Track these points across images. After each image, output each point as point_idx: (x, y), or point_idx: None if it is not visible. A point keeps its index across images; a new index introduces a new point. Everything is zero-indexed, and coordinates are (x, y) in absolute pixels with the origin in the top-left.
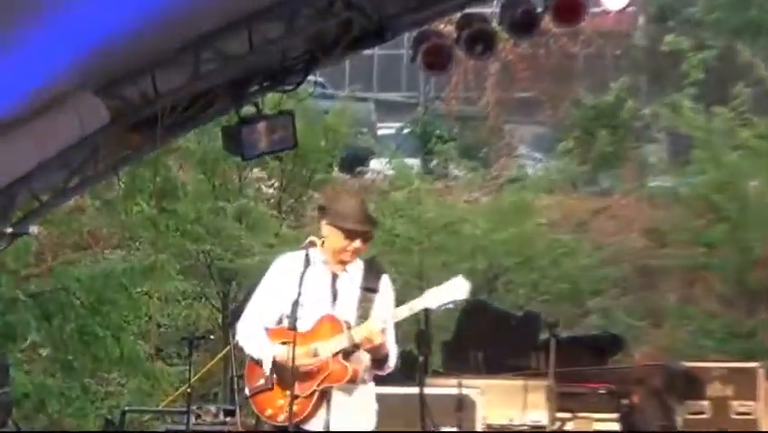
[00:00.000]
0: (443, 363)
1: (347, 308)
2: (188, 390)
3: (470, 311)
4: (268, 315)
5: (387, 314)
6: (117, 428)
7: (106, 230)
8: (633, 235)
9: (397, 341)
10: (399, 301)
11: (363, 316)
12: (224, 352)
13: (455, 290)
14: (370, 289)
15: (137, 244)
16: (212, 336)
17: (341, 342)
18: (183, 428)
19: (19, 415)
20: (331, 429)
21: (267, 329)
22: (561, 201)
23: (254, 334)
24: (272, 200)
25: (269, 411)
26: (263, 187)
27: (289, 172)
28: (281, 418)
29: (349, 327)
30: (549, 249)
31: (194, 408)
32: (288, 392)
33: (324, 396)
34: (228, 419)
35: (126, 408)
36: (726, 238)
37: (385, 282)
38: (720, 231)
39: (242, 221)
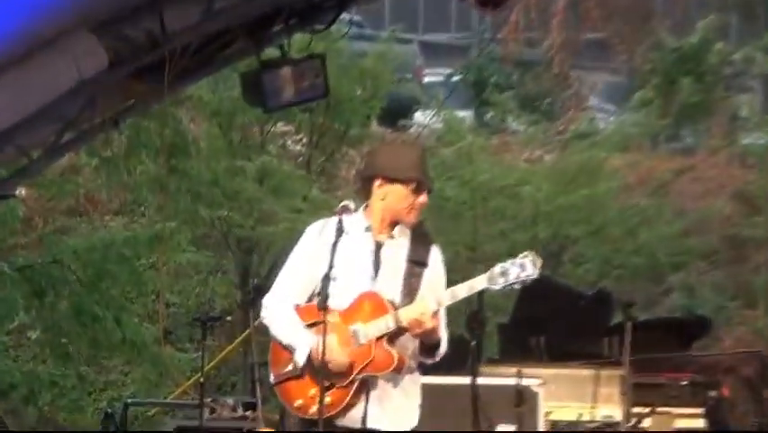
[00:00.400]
0: (499, 349)
1: (391, 285)
2: (201, 379)
3: (532, 289)
4: (298, 292)
5: (439, 292)
6: (118, 423)
7: (106, 193)
8: (721, 200)
9: (446, 323)
10: (449, 278)
11: (409, 294)
12: (243, 335)
13: (526, 267)
14: (418, 262)
15: (142, 209)
16: (229, 317)
17: (385, 324)
18: (195, 423)
19: (5, 408)
20: (368, 425)
21: (297, 307)
22: (637, 161)
23: (284, 314)
24: (300, 159)
25: (298, 402)
26: (289, 143)
27: (320, 126)
28: (312, 410)
29: (394, 307)
30: (623, 216)
31: (208, 400)
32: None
33: (365, 386)
34: (248, 413)
35: (129, 400)
36: None
37: (435, 255)
38: None
39: (265, 182)
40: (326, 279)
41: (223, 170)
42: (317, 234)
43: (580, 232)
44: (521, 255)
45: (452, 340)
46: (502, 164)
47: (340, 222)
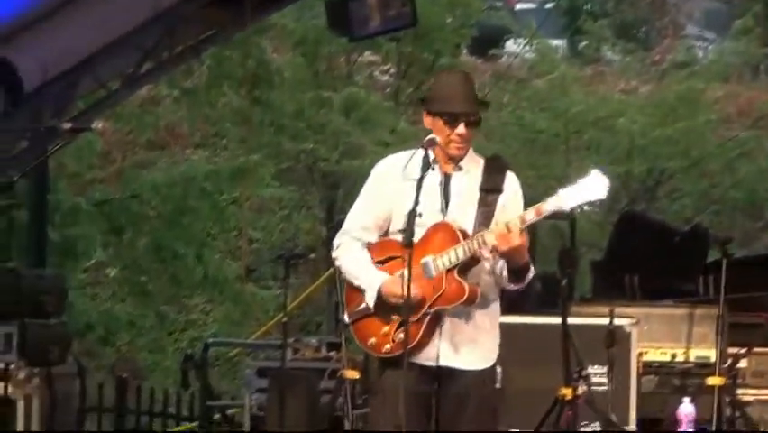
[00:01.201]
0: (591, 287)
1: (463, 214)
2: (284, 319)
3: (625, 225)
4: (370, 229)
5: (512, 219)
6: (199, 364)
7: (187, 126)
8: None
9: (537, 260)
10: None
11: (485, 221)
12: (327, 273)
13: (591, 187)
14: (491, 189)
15: (224, 142)
16: (313, 255)
17: (456, 254)
18: (278, 364)
19: (81, 349)
20: (441, 363)
21: (369, 245)
22: (737, 91)
23: (354, 254)
24: (388, 89)
25: (372, 340)
26: (377, 73)
27: (408, 55)
28: (387, 347)
29: (465, 237)
30: (722, 150)
31: (291, 340)
32: (394, 317)
33: (438, 320)
34: (332, 353)
35: (210, 340)
36: None
37: (511, 180)
38: None
39: (351, 114)
40: (412, 214)
41: (308, 101)
42: (387, 169)
43: (677, 166)
44: (589, 175)
45: (545, 277)
46: (596, 95)
47: (426, 156)
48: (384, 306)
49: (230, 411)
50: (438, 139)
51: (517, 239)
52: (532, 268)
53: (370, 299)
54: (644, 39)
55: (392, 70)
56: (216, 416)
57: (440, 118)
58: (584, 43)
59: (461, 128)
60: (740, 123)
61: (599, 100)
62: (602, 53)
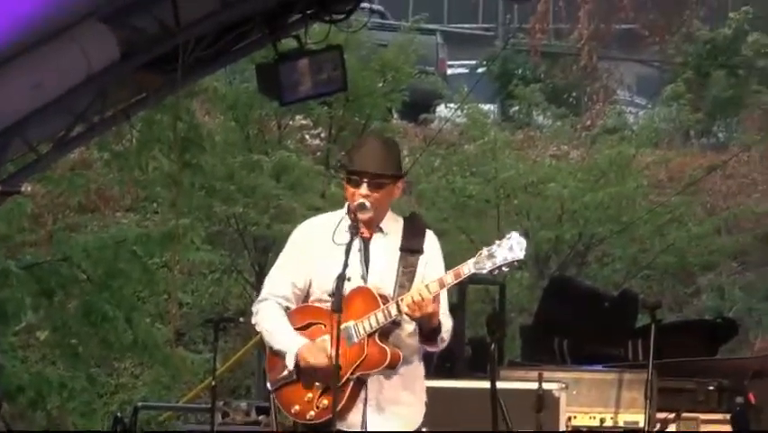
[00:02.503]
0: (521, 351)
1: (384, 277)
2: (213, 383)
3: (555, 289)
4: (288, 297)
5: (431, 282)
6: (128, 428)
7: (117, 189)
8: (754, 198)
9: (467, 325)
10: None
11: (405, 283)
12: (257, 337)
13: (510, 249)
14: (411, 250)
15: (154, 205)
16: (243, 318)
17: (377, 319)
18: (207, 428)
19: (11, 411)
20: (369, 426)
21: (288, 311)
22: (668, 157)
23: (274, 319)
24: (319, 153)
25: (295, 408)
26: (308, 137)
27: (339, 120)
28: (311, 414)
29: (385, 301)
30: (653, 215)
31: (220, 404)
32: (316, 385)
33: (361, 386)
34: (261, 418)
35: (140, 403)
36: None
37: (430, 240)
38: None
39: (282, 178)
40: (341, 279)
41: (238, 165)
42: (311, 231)
43: (607, 231)
44: (507, 237)
45: (474, 342)
46: (527, 160)
47: (355, 221)
48: (307, 370)
49: None
50: (368, 203)
51: (430, 307)
52: (446, 332)
53: (290, 363)
54: (575, 104)
55: (323, 134)
56: None
57: (346, 179)
58: (515, 108)
59: (363, 188)
60: (671, 188)
61: (530, 165)
62: (533, 118)
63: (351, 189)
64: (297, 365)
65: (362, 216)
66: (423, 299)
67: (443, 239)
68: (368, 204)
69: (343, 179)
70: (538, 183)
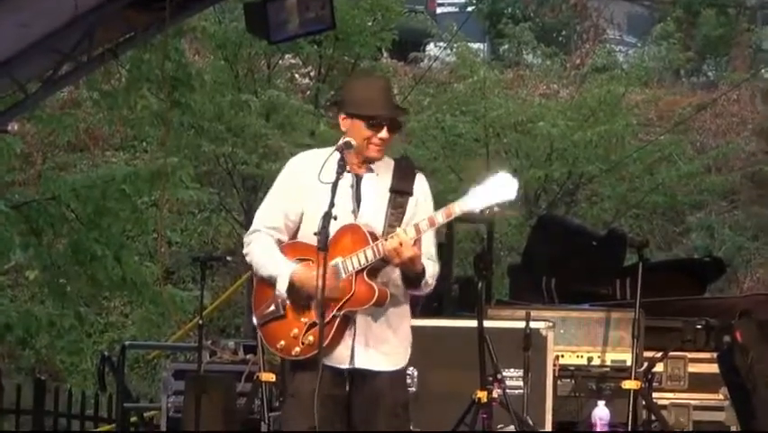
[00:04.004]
0: (509, 290)
1: (374, 216)
2: (201, 321)
3: (543, 228)
4: (279, 228)
5: (422, 220)
6: (115, 366)
7: (106, 128)
8: (743, 137)
9: (455, 264)
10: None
11: (394, 224)
12: (246, 275)
13: (500, 189)
14: (401, 191)
15: (143, 144)
16: (231, 257)
17: (366, 256)
18: (195, 366)
19: (0, 351)
20: (356, 364)
21: (279, 244)
22: (657, 96)
23: (265, 247)
24: (308, 92)
25: (281, 343)
26: (297, 76)
27: (329, 59)
28: (296, 350)
29: (375, 239)
30: (642, 154)
31: (208, 343)
32: (303, 320)
33: (348, 322)
34: (249, 356)
35: (128, 342)
36: None
37: (421, 182)
38: None
39: (271, 117)
40: (327, 216)
41: (227, 104)
42: (302, 166)
43: (597, 170)
44: (498, 176)
45: (462, 281)
46: (516, 99)
47: (342, 159)
48: (293, 306)
49: (147, 414)
50: (354, 142)
51: (409, 251)
52: (430, 275)
53: (281, 287)
54: (564, 43)
55: (312, 73)
56: (133, 418)
57: (361, 121)
58: (505, 47)
59: (384, 132)
60: (660, 126)
61: (520, 104)
62: (523, 57)
63: (367, 132)
64: (289, 288)
65: (379, 155)
66: (402, 244)
67: (433, 178)
68: (353, 142)
69: (348, 115)
70: (527, 122)
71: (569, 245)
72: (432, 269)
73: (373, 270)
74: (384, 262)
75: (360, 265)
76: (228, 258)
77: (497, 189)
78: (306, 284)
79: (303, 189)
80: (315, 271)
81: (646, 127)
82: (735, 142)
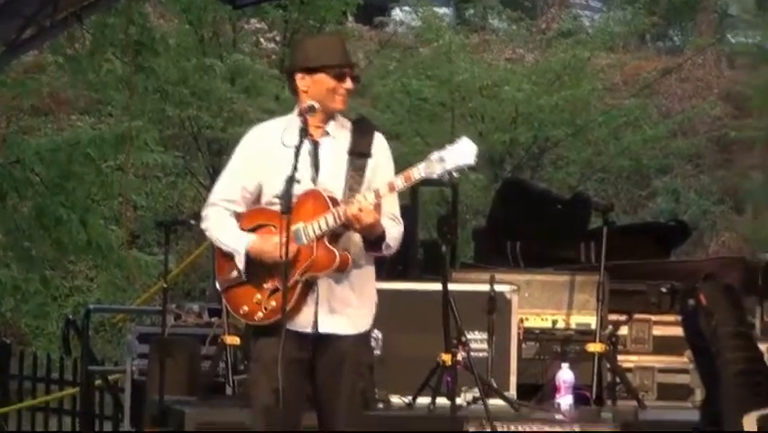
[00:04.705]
0: (474, 253)
1: (333, 181)
2: (165, 285)
3: (507, 192)
4: (236, 201)
5: (382, 183)
6: (80, 329)
7: (71, 92)
8: (709, 101)
9: (421, 227)
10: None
11: (354, 187)
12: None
13: (460, 153)
14: (360, 153)
15: (108, 108)
16: (193, 221)
17: (326, 222)
18: (160, 330)
19: None
20: (319, 329)
21: (237, 215)
22: (623, 60)
23: (223, 221)
24: (273, 57)
25: (244, 309)
26: (262, 41)
27: (294, 23)
28: (259, 315)
29: (336, 204)
30: (607, 118)
31: (172, 307)
32: (266, 285)
33: (310, 287)
34: (214, 319)
35: (92, 306)
36: None
37: (379, 142)
38: None
39: (236, 81)
40: (290, 180)
41: (192, 68)
42: (262, 134)
43: (562, 134)
44: (458, 141)
45: (426, 244)
46: (482, 63)
47: (304, 123)
48: (256, 271)
49: (112, 377)
50: (317, 105)
51: (369, 217)
52: (392, 238)
53: (239, 263)
54: (530, 7)
55: (278, 38)
56: (98, 381)
57: (324, 73)
58: (470, 11)
59: (348, 82)
60: (626, 91)
61: (485, 68)
62: (488, 21)
63: (332, 83)
64: (248, 262)
65: (344, 106)
66: (362, 210)
67: (399, 142)
68: (317, 105)
69: (309, 72)
70: (493, 86)
71: (533, 209)
72: (395, 230)
73: (335, 235)
74: (345, 227)
75: (321, 231)
76: (192, 222)
77: (456, 155)
78: (264, 254)
79: (263, 158)
80: (273, 239)
81: (612, 92)
82: (700, 106)
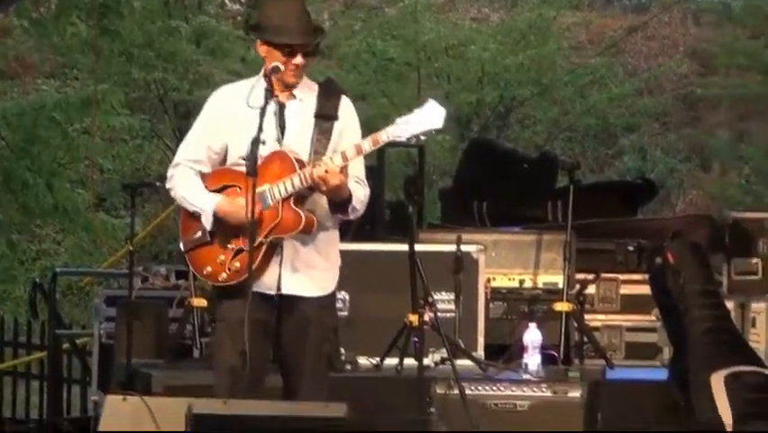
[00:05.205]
0: (440, 214)
1: (299, 143)
2: (131, 247)
3: (474, 152)
4: (202, 161)
5: (348, 146)
6: (46, 292)
7: (37, 56)
8: (675, 59)
9: (387, 188)
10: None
11: (320, 149)
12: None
13: (428, 117)
14: (326, 116)
15: (74, 72)
16: (158, 183)
17: (292, 184)
18: (127, 293)
19: None
20: (283, 291)
21: (203, 175)
22: (589, 19)
23: (188, 180)
24: (238, 18)
25: (207, 269)
26: (227, 2)
27: None
28: (223, 276)
29: (302, 166)
30: (574, 77)
31: (139, 269)
32: (230, 246)
33: (275, 249)
34: (181, 282)
35: (59, 269)
36: None
37: (346, 105)
38: None
39: (202, 43)
40: (256, 142)
41: (157, 30)
42: (227, 95)
43: (528, 93)
44: (425, 104)
45: (393, 205)
46: (448, 23)
47: (270, 84)
48: (220, 232)
49: (79, 340)
50: (282, 66)
51: (336, 179)
52: (358, 201)
53: (206, 222)
54: None
55: None
56: (65, 345)
57: (275, 49)
58: None
59: (298, 59)
60: (591, 50)
61: (451, 28)
62: None
63: (282, 59)
64: (214, 221)
65: (295, 80)
66: (328, 172)
67: (365, 103)
68: (281, 66)
69: (264, 42)
70: (459, 46)
71: (500, 169)
72: (361, 193)
73: (300, 197)
74: (311, 189)
75: (286, 192)
76: (159, 184)
77: (424, 118)
78: (230, 214)
79: (228, 119)
80: (239, 200)
81: (578, 50)
82: (666, 64)
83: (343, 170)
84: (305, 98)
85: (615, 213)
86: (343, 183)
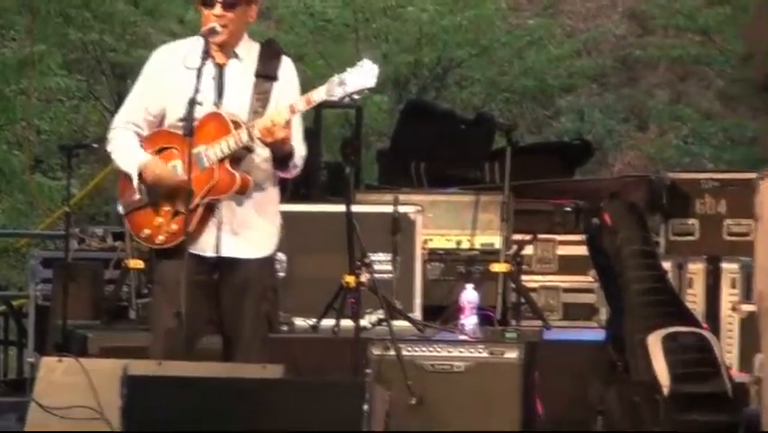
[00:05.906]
0: (378, 175)
1: (237, 103)
2: (67, 209)
3: (411, 113)
4: (139, 124)
5: (290, 102)
6: None
7: None
8: (613, 19)
9: (325, 149)
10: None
11: (258, 109)
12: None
13: (361, 76)
14: (266, 76)
15: (10, 32)
16: (95, 144)
17: (228, 145)
18: (62, 255)
19: None
20: (222, 253)
21: (141, 137)
22: None
23: (124, 142)
24: None
25: (145, 232)
26: None
27: None
28: (161, 239)
29: (237, 127)
30: (511, 38)
31: (76, 231)
32: (167, 209)
33: (212, 210)
34: (117, 243)
35: None
36: (727, 22)
37: (286, 66)
38: (720, 14)
39: (140, 4)
40: (192, 103)
41: None
42: (165, 56)
43: (466, 54)
44: (359, 64)
45: (330, 166)
46: None
47: (207, 45)
48: (156, 195)
49: (15, 302)
50: (219, 28)
51: (281, 132)
52: (298, 158)
53: (135, 184)
54: None
55: None
56: (1, 306)
57: (201, 4)
58: None
59: (217, 9)
60: (529, 10)
61: None
62: None
63: (204, 11)
64: (141, 182)
65: (214, 39)
66: (274, 124)
67: (302, 63)
68: (218, 27)
69: (197, 2)
70: (397, 7)
71: (437, 130)
72: (301, 151)
73: (236, 158)
74: (247, 150)
75: (222, 154)
76: (95, 146)
77: (357, 77)
78: (161, 176)
79: (166, 80)
80: (169, 162)
81: (516, 11)
82: (604, 25)
83: (287, 124)
84: (245, 58)
85: (552, 174)
86: (288, 136)
